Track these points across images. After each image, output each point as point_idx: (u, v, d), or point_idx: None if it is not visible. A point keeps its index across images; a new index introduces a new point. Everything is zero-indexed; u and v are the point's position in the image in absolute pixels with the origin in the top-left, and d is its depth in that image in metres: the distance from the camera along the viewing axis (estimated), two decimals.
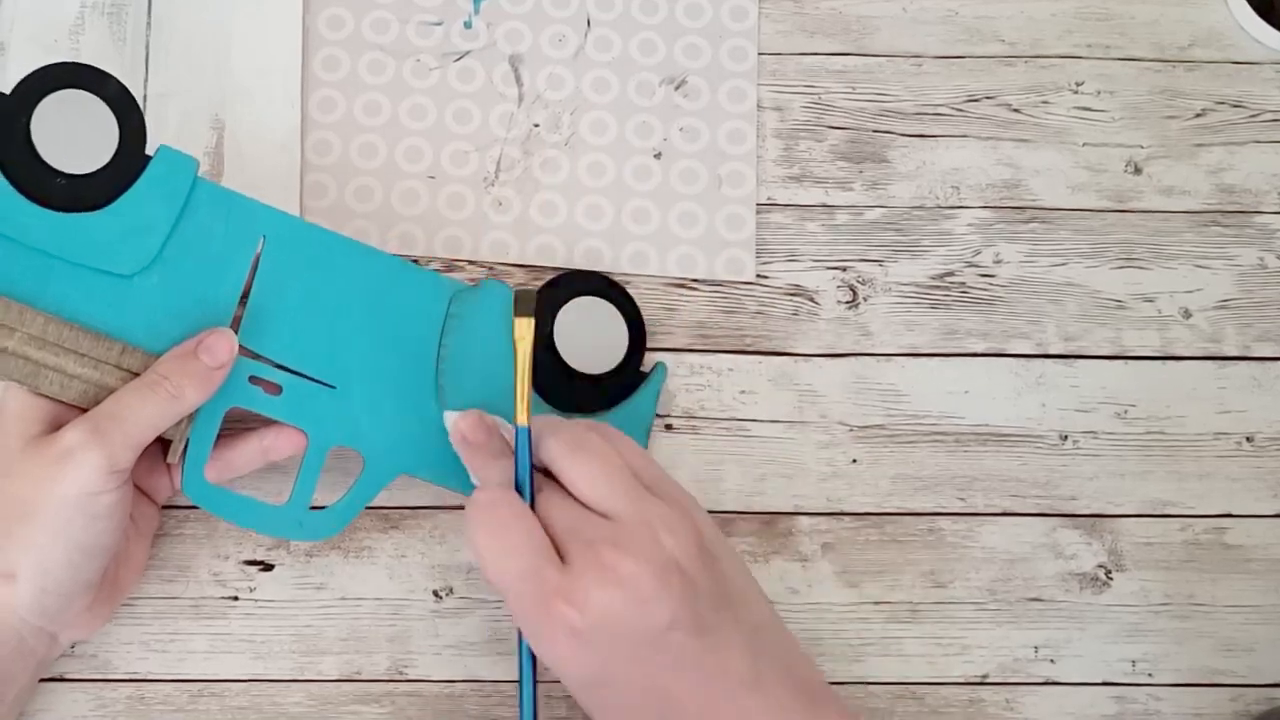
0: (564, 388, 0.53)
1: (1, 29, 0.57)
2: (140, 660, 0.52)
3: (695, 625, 0.44)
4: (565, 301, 0.54)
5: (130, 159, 0.49)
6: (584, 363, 0.54)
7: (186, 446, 0.49)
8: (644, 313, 0.56)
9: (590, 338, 0.54)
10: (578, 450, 0.46)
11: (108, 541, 0.46)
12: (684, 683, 0.44)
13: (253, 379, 0.50)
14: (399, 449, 0.51)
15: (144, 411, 0.46)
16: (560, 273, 0.56)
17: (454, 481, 0.51)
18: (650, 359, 0.56)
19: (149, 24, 0.58)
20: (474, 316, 0.53)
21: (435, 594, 0.54)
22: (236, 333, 0.49)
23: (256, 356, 0.50)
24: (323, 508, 0.50)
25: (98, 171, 0.48)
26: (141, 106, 0.56)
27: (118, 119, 0.49)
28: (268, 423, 0.50)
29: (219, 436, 0.49)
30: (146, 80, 0.57)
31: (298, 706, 0.52)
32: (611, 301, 0.55)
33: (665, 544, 0.44)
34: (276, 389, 0.50)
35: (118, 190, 0.49)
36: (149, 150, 0.49)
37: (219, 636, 0.53)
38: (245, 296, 0.50)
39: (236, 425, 0.51)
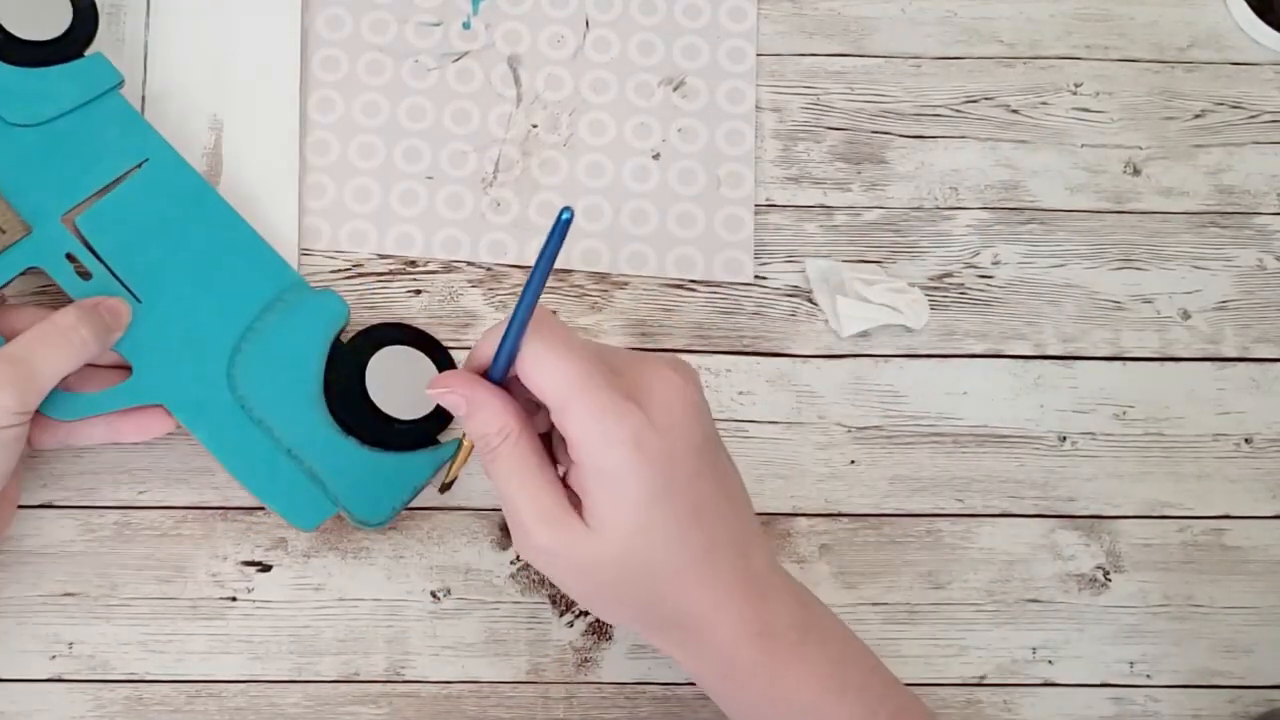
0: (357, 415, 0.53)
1: None
2: (138, 661, 0.52)
3: (723, 453, 0.44)
4: (382, 347, 0.54)
5: (68, 47, 0.54)
6: (392, 402, 0.53)
7: None
8: (643, 313, 0.56)
9: (401, 383, 0.53)
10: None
11: (2, 470, 0.48)
12: (719, 509, 0.43)
13: (70, 256, 0.52)
14: (169, 382, 0.52)
15: (56, 360, 0.48)
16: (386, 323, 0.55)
17: (204, 433, 0.52)
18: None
19: (148, 24, 0.58)
20: (295, 315, 0.53)
21: (433, 595, 0.54)
22: (79, 215, 0.52)
23: (85, 242, 0.52)
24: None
25: (43, 43, 0.54)
26: (140, 106, 0.57)
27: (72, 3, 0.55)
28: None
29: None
30: (146, 80, 0.57)
31: (295, 707, 0.52)
32: (431, 358, 0.54)
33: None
34: (87, 275, 0.52)
35: (47, 63, 0.53)
36: (89, 53, 0.54)
37: (217, 637, 0.53)
38: (105, 192, 0.53)
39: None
